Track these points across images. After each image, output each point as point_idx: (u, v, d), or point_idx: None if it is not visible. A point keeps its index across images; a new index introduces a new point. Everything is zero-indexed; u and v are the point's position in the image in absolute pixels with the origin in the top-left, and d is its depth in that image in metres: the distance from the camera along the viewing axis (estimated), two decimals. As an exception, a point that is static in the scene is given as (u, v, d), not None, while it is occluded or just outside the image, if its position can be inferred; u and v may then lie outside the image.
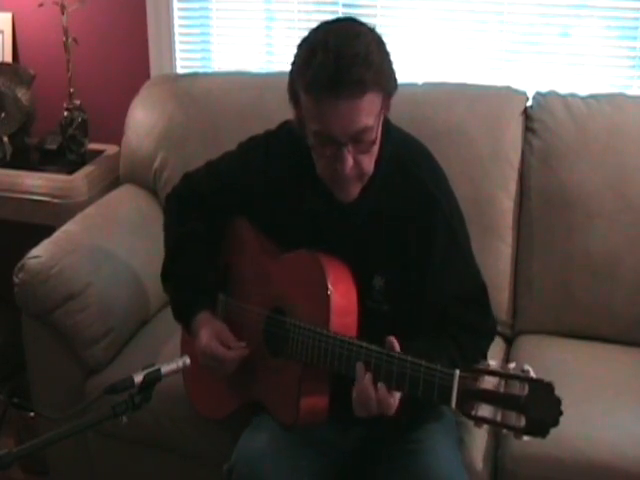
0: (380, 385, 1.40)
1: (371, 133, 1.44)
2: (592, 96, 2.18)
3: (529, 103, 2.22)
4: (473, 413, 1.26)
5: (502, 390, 1.24)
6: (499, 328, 2.10)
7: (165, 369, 1.35)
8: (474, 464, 1.73)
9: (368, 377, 1.41)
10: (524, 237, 2.15)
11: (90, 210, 2.30)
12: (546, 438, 1.22)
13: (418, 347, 1.44)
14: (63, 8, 2.45)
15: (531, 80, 2.38)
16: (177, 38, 2.70)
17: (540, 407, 1.21)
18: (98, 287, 2.04)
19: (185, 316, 1.73)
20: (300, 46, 1.47)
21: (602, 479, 1.68)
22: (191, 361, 1.40)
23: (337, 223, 1.60)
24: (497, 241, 2.13)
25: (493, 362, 1.28)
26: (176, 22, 2.68)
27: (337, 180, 1.50)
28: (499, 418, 1.24)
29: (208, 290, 1.74)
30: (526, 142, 2.16)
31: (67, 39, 2.49)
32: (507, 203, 2.14)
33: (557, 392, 1.22)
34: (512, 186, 2.15)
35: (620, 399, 1.85)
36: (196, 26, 2.72)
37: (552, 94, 2.21)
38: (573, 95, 2.19)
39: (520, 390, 1.22)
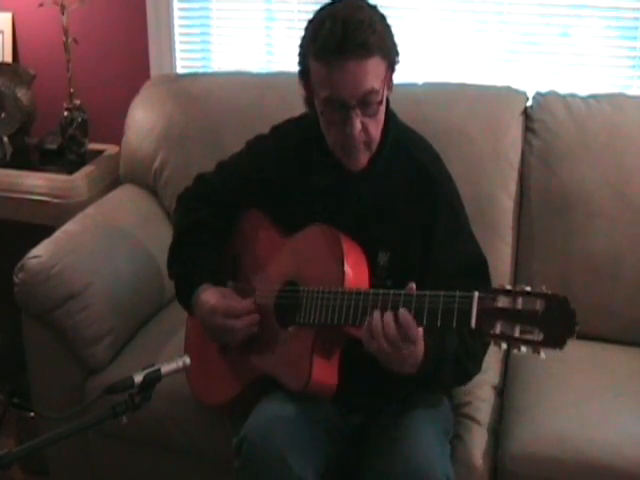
0: (403, 310, 1.41)
1: (377, 95, 1.54)
2: (592, 96, 2.18)
3: (529, 103, 2.22)
4: (492, 332, 1.29)
5: (518, 306, 1.27)
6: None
7: (165, 369, 1.35)
8: (474, 463, 1.73)
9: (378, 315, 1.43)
10: (524, 237, 2.15)
11: (90, 210, 2.30)
12: (563, 349, 1.25)
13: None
14: (63, 8, 2.45)
15: (531, 80, 2.38)
16: (177, 38, 2.70)
17: (557, 319, 1.25)
18: (98, 287, 2.04)
19: (188, 290, 1.75)
20: (309, 23, 1.59)
21: (602, 479, 1.68)
22: (196, 346, 1.39)
23: (343, 199, 1.68)
24: (497, 241, 2.13)
25: (508, 286, 1.31)
26: (176, 22, 2.69)
27: (347, 146, 1.59)
28: (517, 334, 1.27)
29: (212, 269, 1.77)
30: (526, 142, 2.16)
31: (67, 39, 2.49)
32: (507, 203, 2.14)
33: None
34: (512, 186, 2.15)
35: (620, 399, 1.85)
36: (196, 26, 2.72)
37: (552, 94, 2.21)
38: (573, 95, 2.19)
39: (536, 305, 1.26)
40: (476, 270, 1.66)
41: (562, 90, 2.22)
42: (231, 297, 1.71)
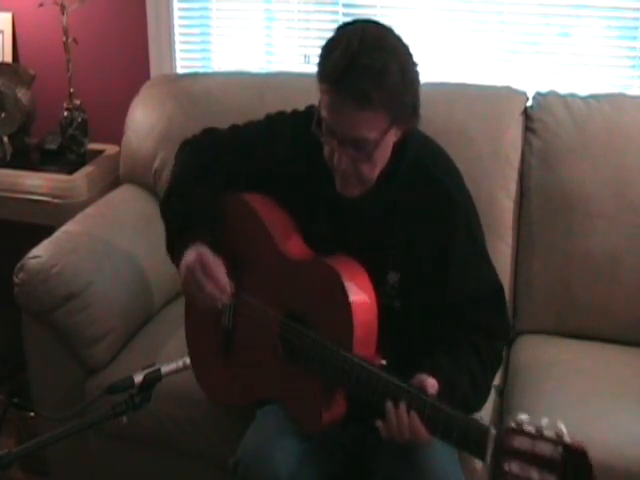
0: (412, 413, 1.39)
1: (367, 145, 1.44)
2: (592, 96, 2.18)
3: (529, 103, 2.22)
4: (506, 468, 1.27)
5: (536, 450, 1.24)
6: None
7: (165, 369, 1.35)
8: (474, 464, 1.73)
9: (403, 407, 1.40)
10: (524, 237, 2.15)
11: (90, 210, 2.30)
12: None
13: (438, 364, 1.47)
14: (63, 8, 2.45)
15: (531, 80, 2.38)
16: (177, 38, 2.70)
17: (574, 472, 1.22)
18: (98, 287, 2.04)
19: (179, 243, 1.62)
20: (333, 34, 1.48)
21: (602, 479, 1.68)
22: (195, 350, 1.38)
23: (353, 215, 1.60)
24: (497, 241, 2.12)
25: (525, 417, 1.28)
26: (176, 22, 2.69)
27: (335, 170, 1.52)
28: (532, 476, 1.25)
29: (210, 225, 1.65)
30: (526, 142, 2.16)
31: (67, 39, 2.49)
32: (507, 203, 2.14)
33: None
34: (512, 186, 2.15)
35: (620, 399, 1.85)
36: (196, 26, 2.72)
37: (552, 94, 2.21)
38: (573, 95, 2.19)
39: (553, 451, 1.23)
40: (491, 298, 1.62)
41: (562, 90, 2.22)
42: (215, 272, 1.57)
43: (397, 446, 1.55)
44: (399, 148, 1.54)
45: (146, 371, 1.33)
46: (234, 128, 1.78)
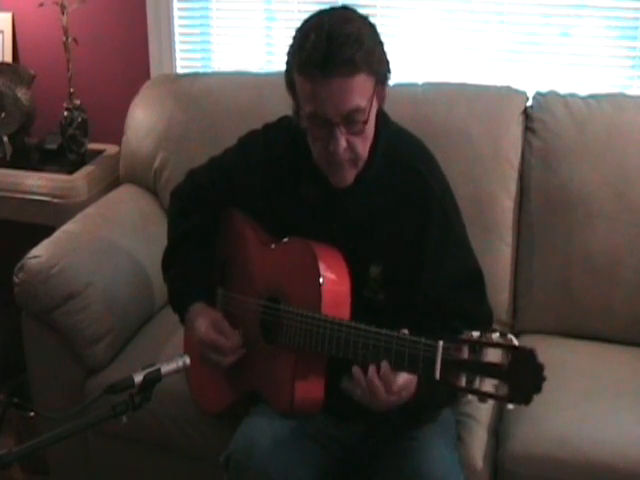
0: (384, 363, 1.41)
1: (363, 114, 1.48)
2: (592, 96, 2.18)
3: (529, 103, 2.22)
4: (458, 384, 1.27)
5: (485, 359, 1.24)
6: (499, 328, 2.11)
7: (165, 369, 1.35)
8: (474, 464, 1.73)
9: (372, 369, 1.42)
10: (524, 237, 2.15)
11: (90, 210, 2.30)
12: (529, 405, 1.23)
13: None
14: (63, 8, 2.45)
15: (531, 80, 2.38)
16: (177, 38, 2.71)
17: (522, 374, 1.22)
18: (98, 287, 2.04)
19: (181, 306, 1.76)
20: (295, 33, 1.54)
21: (602, 479, 1.68)
22: (192, 358, 1.40)
23: (333, 212, 1.63)
24: (497, 241, 2.13)
25: (476, 333, 1.28)
26: (176, 22, 2.69)
27: (331, 163, 1.54)
28: (483, 387, 1.25)
29: (205, 282, 1.77)
30: (526, 142, 2.16)
31: (67, 39, 2.49)
32: (507, 203, 2.14)
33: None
34: (512, 186, 2.15)
35: (620, 399, 1.85)
36: (196, 26, 2.72)
37: (552, 94, 2.21)
38: (573, 95, 2.19)
39: (502, 358, 1.23)
40: (469, 283, 1.62)
41: (562, 90, 2.22)
42: (220, 328, 1.68)
43: (397, 446, 1.56)
44: (374, 137, 1.57)
45: (146, 371, 1.33)
46: (211, 161, 1.85)
